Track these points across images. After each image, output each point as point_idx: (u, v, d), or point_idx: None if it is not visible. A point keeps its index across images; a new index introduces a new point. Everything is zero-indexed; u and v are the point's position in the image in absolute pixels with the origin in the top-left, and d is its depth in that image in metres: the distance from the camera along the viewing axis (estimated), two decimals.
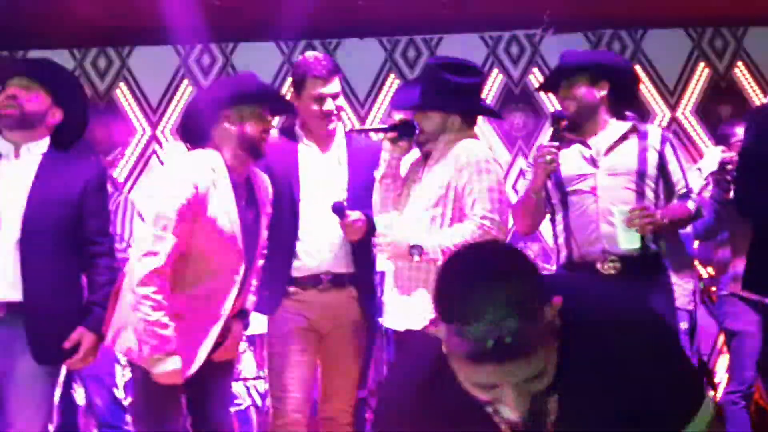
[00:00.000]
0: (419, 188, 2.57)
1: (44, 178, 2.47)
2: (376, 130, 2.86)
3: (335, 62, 2.79)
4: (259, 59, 5.19)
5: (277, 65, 5.27)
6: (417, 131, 2.57)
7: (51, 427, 2.47)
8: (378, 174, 2.63)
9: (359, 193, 2.72)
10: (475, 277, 1.22)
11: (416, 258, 2.42)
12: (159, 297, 2.31)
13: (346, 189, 2.75)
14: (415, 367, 1.42)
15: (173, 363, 2.33)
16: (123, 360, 3.63)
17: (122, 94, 5.28)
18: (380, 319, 2.79)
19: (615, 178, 2.70)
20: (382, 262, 2.86)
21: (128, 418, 3.40)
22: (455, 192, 2.46)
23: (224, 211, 2.43)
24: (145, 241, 2.37)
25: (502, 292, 1.19)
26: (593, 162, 2.73)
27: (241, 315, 2.61)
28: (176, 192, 2.37)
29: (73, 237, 2.48)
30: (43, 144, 2.54)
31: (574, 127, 2.77)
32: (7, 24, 4.57)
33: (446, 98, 2.53)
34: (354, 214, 2.63)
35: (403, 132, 2.57)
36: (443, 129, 2.57)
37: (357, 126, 5.01)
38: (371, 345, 2.98)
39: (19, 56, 4.85)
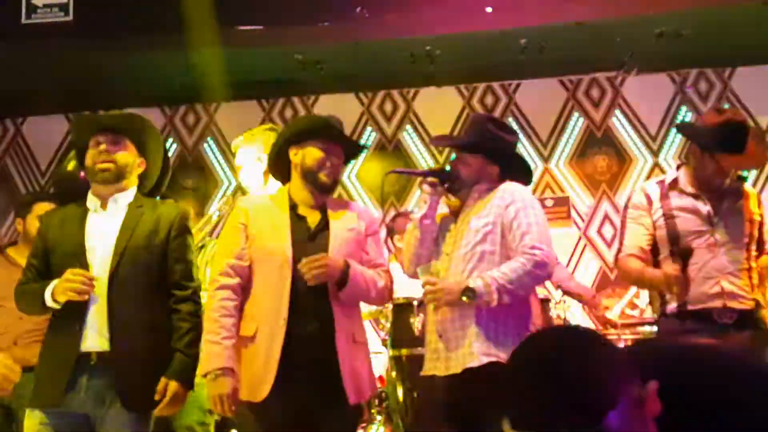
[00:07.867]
0: (458, 232, 2.60)
1: (129, 228, 2.54)
2: (416, 173, 2.93)
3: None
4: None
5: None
6: (454, 177, 2.64)
7: None
8: (417, 215, 2.68)
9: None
10: (526, 373, 1.10)
11: (468, 301, 2.40)
12: (216, 315, 2.43)
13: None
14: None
15: (220, 385, 2.35)
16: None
17: (209, 147, 5.48)
18: (423, 371, 2.67)
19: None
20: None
21: None
22: (502, 228, 2.52)
23: (274, 232, 2.50)
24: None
25: (546, 394, 1.05)
26: (709, 219, 2.69)
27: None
28: (231, 220, 2.59)
29: (158, 284, 2.54)
30: (130, 194, 2.64)
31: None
32: (101, 86, 4.85)
33: (490, 147, 2.63)
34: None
35: (442, 177, 2.67)
36: (479, 177, 2.63)
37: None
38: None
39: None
